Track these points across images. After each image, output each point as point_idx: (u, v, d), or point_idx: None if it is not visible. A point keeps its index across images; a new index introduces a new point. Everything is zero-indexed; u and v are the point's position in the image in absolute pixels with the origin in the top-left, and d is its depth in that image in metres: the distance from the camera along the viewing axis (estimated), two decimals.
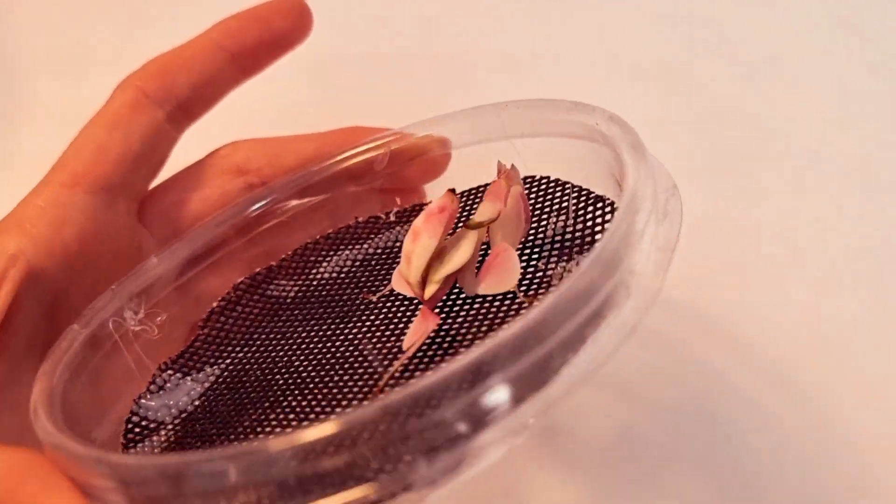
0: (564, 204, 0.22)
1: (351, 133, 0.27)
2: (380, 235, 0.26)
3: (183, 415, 0.21)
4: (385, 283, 0.23)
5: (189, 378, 0.22)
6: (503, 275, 0.20)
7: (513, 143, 0.24)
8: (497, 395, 0.14)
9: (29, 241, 0.21)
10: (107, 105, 0.24)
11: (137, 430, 0.21)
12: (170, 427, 0.21)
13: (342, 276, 0.25)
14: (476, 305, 0.20)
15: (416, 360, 0.19)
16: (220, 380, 0.22)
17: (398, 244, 0.25)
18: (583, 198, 0.22)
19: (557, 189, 0.23)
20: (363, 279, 0.24)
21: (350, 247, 0.26)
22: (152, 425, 0.21)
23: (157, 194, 0.25)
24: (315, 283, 0.25)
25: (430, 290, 0.20)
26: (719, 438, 0.27)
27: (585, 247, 0.21)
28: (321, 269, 0.25)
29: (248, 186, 0.26)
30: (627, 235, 0.16)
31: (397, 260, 0.24)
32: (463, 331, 0.19)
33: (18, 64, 0.28)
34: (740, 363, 0.28)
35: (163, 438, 0.20)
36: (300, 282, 0.25)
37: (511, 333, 0.14)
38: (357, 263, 0.25)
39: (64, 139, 0.23)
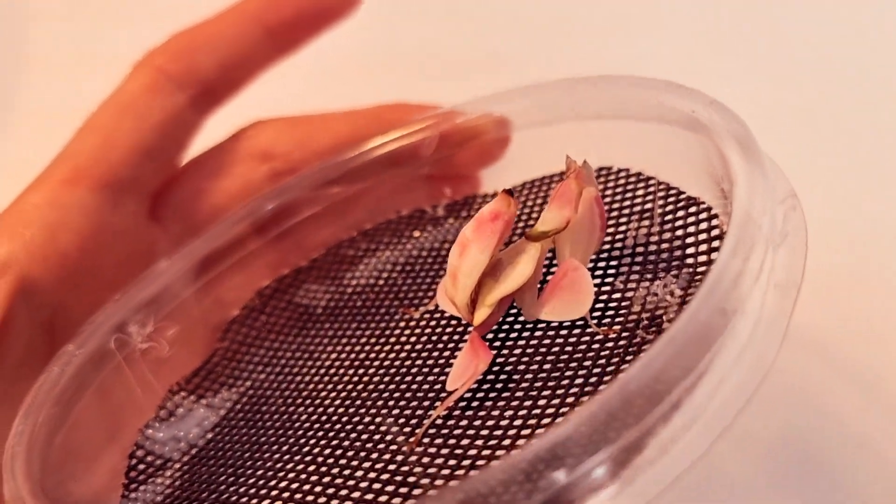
0: (648, 205, 0.18)
1: (393, 110, 0.23)
2: (426, 234, 0.22)
3: (192, 450, 0.18)
4: (430, 294, 0.20)
5: (203, 402, 0.19)
6: (573, 298, 0.16)
7: (585, 126, 0.20)
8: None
9: (21, 247, 0.18)
10: (121, 87, 0.21)
11: (141, 466, 0.18)
12: (177, 465, 0.18)
13: (380, 283, 0.21)
14: (538, 333, 0.17)
15: (461, 402, 0.16)
16: (237, 407, 0.19)
17: (447, 244, 0.21)
18: (671, 199, 0.18)
19: (640, 185, 0.19)
20: (404, 288, 0.21)
21: (391, 247, 0.22)
22: (158, 461, 0.18)
23: (171, 186, 0.22)
24: (349, 290, 0.21)
25: (482, 315, 0.16)
26: None
27: (674, 263, 0.17)
28: (356, 274, 0.22)
29: (275, 174, 0.23)
30: (740, 276, 0.12)
31: (445, 265, 0.21)
32: (521, 367, 0.16)
33: (18, 63, 0.25)
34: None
35: (168, 482, 0.17)
36: (332, 288, 0.22)
37: (585, 415, 0.10)
38: (398, 268, 0.21)
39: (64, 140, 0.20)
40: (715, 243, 0.16)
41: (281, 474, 0.16)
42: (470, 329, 0.18)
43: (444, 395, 0.16)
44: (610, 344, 0.15)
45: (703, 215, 0.17)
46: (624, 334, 0.15)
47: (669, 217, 0.18)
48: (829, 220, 0.20)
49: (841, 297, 0.24)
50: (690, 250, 0.17)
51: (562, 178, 0.21)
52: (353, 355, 0.19)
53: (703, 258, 0.16)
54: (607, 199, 0.19)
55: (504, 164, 0.22)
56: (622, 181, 0.19)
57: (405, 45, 0.35)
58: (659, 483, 0.11)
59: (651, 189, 0.19)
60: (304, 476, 0.16)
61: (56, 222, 0.19)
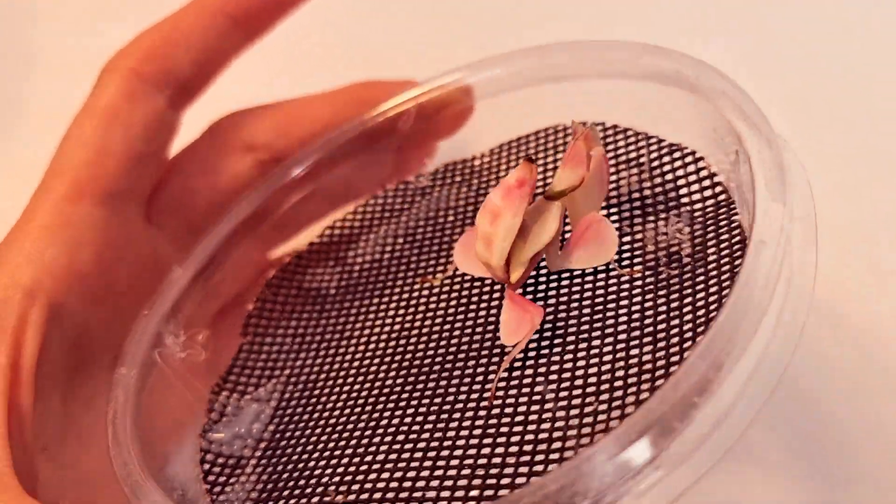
0: (632, 155, 0.21)
1: (367, 88, 0.24)
2: (416, 204, 0.24)
3: (261, 444, 0.19)
4: (441, 260, 0.21)
5: (249, 398, 0.20)
6: (600, 247, 0.18)
7: (562, 87, 0.22)
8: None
9: (43, 271, 0.18)
10: (96, 95, 0.20)
11: (217, 469, 0.18)
12: (253, 461, 0.18)
13: (385, 256, 0.23)
14: (565, 282, 0.19)
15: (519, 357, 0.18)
16: (287, 395, 0.20)
17: (441, 212, 0.23)
18: (654, 147, 0.20)
19: (619, 137, 0.21)
20: (413, 259, 0.22)
21: (385, 221, 0.23)
22: (231, 461, 0.19)
23: (161, 187, 0.22)
24: (357, 268, 0.23)
25: (517, 273, 0.18)
26: None
27: (671, 203, 0.19)
28: (359, 252, 0.23)
29: (260, 164, 0.23)
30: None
31: (447, 231, 0.22)
32: (563, 315, 0.18)
33: (24, 63, 0.24)
34: None
35: (252, 478, 0.18)
36: (338, 268, 0.23)
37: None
38: (399, 240, 0.23)
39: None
40: (705, 182, 0.19)
41: (360, 449, 0.17)
42: (497, 287, 0.20)
43: (496, 351, 0.18)
44: (639, 283, 0.18)
45: (689, 159, 0.19)
46: (648, 272, 0.18)
47: (656, 163, 0.20)
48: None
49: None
50: (683, 191, 0.19)
51: (547, 137, 0.23)
52: (386, 328, 0.20)
53: (696, 196, 0.19)
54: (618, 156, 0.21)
55: (482, 128, 0.24)
56: (603, 135, 0.21)
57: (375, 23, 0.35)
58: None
59: (632, 139, 0.21)
60: (390, 441, 0.17)
61: (70, 241, 0.19)
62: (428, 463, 0.16)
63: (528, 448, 0.15)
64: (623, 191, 0.20)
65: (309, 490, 0.17)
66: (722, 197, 0.18)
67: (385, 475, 0.16)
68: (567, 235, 0.19)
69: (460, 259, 0.20)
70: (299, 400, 0.19)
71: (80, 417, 0.20)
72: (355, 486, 0.16)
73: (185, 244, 0.22)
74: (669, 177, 0.20)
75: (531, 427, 0.16)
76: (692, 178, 0.19)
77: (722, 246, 0.17)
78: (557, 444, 0.15)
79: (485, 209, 0.18)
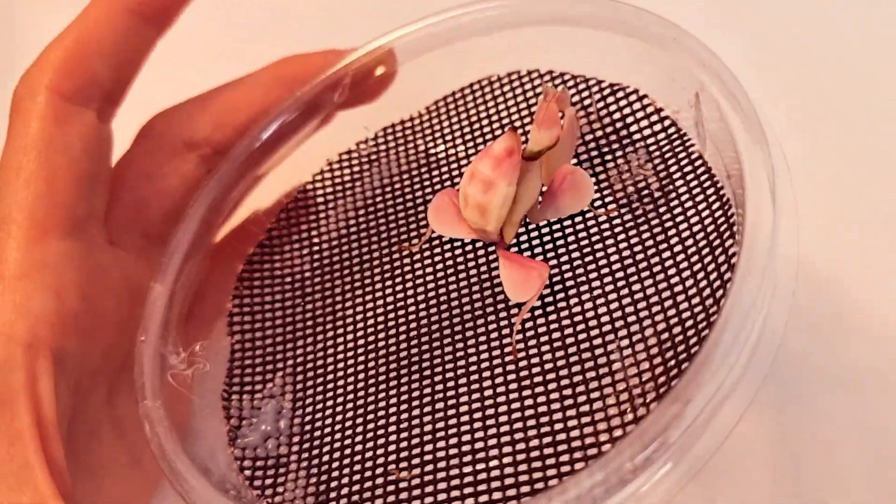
0: (575, 98, 0.22)
1: (294, 64, 0.23)
2: (366, 173, 0.24)
3: (294, 438, 0.19)
4: (411, 226, 0.22)
5: (261, 396, 0.20)
6: (578, 194, 0.19)
7: (505, 35, 0.22)
8: None
9: (37, 322, 0.17)
10: (22, 125, 0.19)
11: (260, 473, 0.19)
12: (294, 457, 0.19)
13: (353, 230, 0.23)
14: (546, 231, 0.20)
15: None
16: (300, 386, 0.20)
17: (395, 177, 0.23)
18: (595, 88, 0.22)
19: (557, 83, 0.22)
20: (381, 228, 0.22)
21: (341, 195, 0.24)
22: (271, 461, 0.19)
23: (111, 204, 0.21)
24: (327, 246, 0.23)
25: (511, 233, 0.19)
26: None
27: (625, 141, 0.21)
28: (323, 230, 0.23)
29: (203, 160, 0.22)
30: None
31: (407, 195, 0.23)
32: (554, 261, 0.19)
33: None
34: None
35: (301, 476, 0.19)
36: (307, 250, 0.23)
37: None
38: (361, 212, 0.23)
39: None
40: (653, 118, 0.21)
41: (403, 423, 0.18)
42: (480, 245, 0.21)
43: (501, 307, 0.19)
44: (618, 223, 0.19)
45: (633, 97, 0.21)
46: (624, 211, 0.20)
47: (602, 104, 0.21)
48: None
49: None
50: (634, 128, 0.21)
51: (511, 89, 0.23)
52: (380, 300, 0.21)
53: (647, 132, 0.21)
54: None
55: (413, 89, 0.24)
56: (539, 81, 0.23)
57: None
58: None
59: (571, 84, 0.22)
60: (427, 417, 0.18)
61: (52, 283, 0.18)
62: (478, 424, 0.17)
63: (567, 393, 0.17)
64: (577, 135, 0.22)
65: (368, 473, 0.18)
66: (672, 130, 0.20)
67: (440, 443, 0.18)
68: (543, 189, 0.20)
69: (437, 223, 0.21)
70: (315, 387, 0.20)
71: (86, 454, 0.19)
72: (414, 460, 0.18)
73: (150, 257, 0.21)
74: (617, 116, 0.21)
75: (563, 373, 0.18)
76: (640, 115, 0.21)
77: (689, 178, 0.19)
78: (594, 387, 0.17)
79: (473, 179, 0.19)
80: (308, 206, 0.24)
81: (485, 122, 0.23)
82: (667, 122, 0.20)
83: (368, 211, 0.23)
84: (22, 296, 0.17)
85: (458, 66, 0.24)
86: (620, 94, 0.21)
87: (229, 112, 0.22)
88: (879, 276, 0.25)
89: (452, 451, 0.17)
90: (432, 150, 0.23)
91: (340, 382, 0.20)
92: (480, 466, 0.17)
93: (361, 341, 0.20)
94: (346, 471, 0.18)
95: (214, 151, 0.22)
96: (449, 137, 0.23)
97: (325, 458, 0.18)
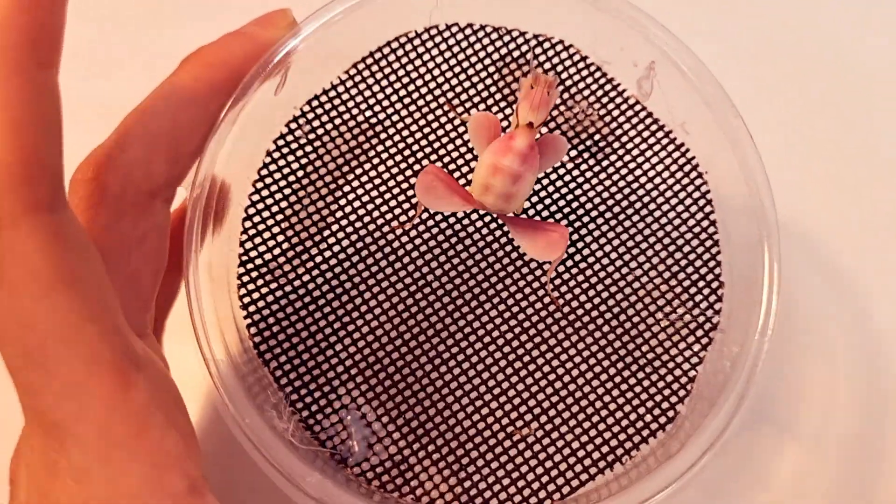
0: (517, 53, 0.23)
1: (217, 57, 0.20)
2: (322, 158, 0.23)
3: (400, 440, 0.21)
4: (391, 203, 0.23)
5: (336, 413, 0.21)
6: (556, 150, 0.22)
7: None
8: None
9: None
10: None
11: (387, 477, 0.20)
12: (415, 456, 0.21)
13: (331, 217, 0.22)
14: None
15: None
16: (364, 385, 0.21)
17: (352, 156, 0.23)
18: (521, 40, 0.24)
19: (481, 35, 0.23)
20: (361, 207, 0.23)
21: (307, 182, 0.23)
22: (394, 470, 0.21)
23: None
24: (312, 238, 0.22)
25: (521, 205, 0.22)
26: None
27: (570, 86, 0.24)
28: (301, 220, 0.22)
29: (168, 201, 0.20)
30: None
31: (381, 173, 0.23)
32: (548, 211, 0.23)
33: None
34: None
35: (433, 471, 0.21)
36: (293, 247, 0.22)
37: None
38: (329, 197, 0.23)
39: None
40: (580, 64, 0.24)
41: (497, 390, 0.21)
42: (475, 215, 0.23)
43: (522, 265, 0.22)
44: (587, 169, 0.23)
45: (559, 47, 0.24)
46: (587, 155, 0.23)
47: (539, 53, 0.23)
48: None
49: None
50: (570, 73, 0.24)
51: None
52: (397, 282, 0.22)
53: (579, 76, 0.24)
54: (488, 54, 0.23)
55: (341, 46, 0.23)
56: (462, 35, 0.23)
57: None
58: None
59: (496, 37, 0.23)
60: (515, 379, 0.21)
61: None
62: (562, 370, 0.22)
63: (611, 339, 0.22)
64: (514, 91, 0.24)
65: (495, 442, 0.21)
66: (599, 75, 0.24)
67: (540, 398, 0.21)
68: None
69: (429, 202, 0.22)
70: (382, 383, 0.21)
71: None
72: (529, 420, 0.21)
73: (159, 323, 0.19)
74: (556, 60, 0.24)
75: (601, 322, 0.22)
76: (568, 63, 0.24)
77: (636, 123, 0.23)
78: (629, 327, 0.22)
79: (498, 173, 0.20)
80: (274, 196, 0.22)
81: (412, 78, 0.23)
82: (593, 68, 0.24)
83: (339, 191, 0.23)
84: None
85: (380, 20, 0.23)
86: (547, 45, 0.24)
87: (184, 133, 0.19)
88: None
89: (561, 406, 0.21)
90: (374, 114, 0.23)
91: (405, 371, 0.22)
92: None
93: (396, 326, 0.22)
94: (475, 454, 0.21)
95: (176, 184, 0.20)
96: (384, 99, 0.23)
97: (445, 450, 0.21)
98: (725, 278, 0.22)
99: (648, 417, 0.21)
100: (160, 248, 0.19)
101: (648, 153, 0.23)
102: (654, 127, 0.23)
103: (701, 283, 0.22)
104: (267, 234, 0.22)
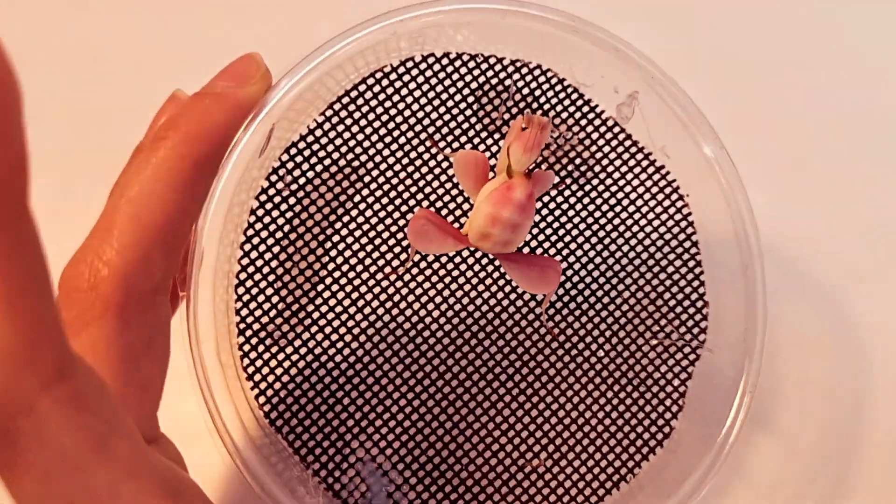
0: (495, 81, 0.23)
1: (195, 123, 0.19)
2: (307, 210, 0.22)
3: (412, 482, 0.22)
4: (382, 249, 0.22)
5: (349, 462, 0.21)
6: (543, 186, 0.22)
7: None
8: None
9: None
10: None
11: None
12: (439, 494, 0.22)
13: (323, 272, 0.22)
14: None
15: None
16: (376, 436, 0.22)
17: (341, 207, 0.22)
18: (497, 67, 0.23)
19: (458, 64, 0.23)
20: (351, 259, 0.22)
21: (296, 236, 0.22)
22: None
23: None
24: (304, 291, 0.22)
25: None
26: None
27: (545, 106, 0.23)
28: (295, 275, 0.22)
29: (166, 293, 0.19)
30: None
31: (369, 218, 0.22)
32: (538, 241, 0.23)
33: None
34: None
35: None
36: (292, 306, 0.22)
37: None
38: (319, 250, 0.22)
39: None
40: (558, 87, 0.23)
41: (510, 431, 0.22)
42: (467, 254, 0.23)
43: (519, 303, 0.23)
44: (570, 195, 0.23)
45: (537, 72, 0.23)
46: (570, 181, 0.23)
47: (518, 79, 0.23)
48: None
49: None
50: (548, 97, 0.23)
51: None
52: (396, 328, 0.22)
53: (557, 99, 0.23)
54: (466, 83, 0.23)
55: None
56: (442, 65, 0.23)
57: None
58: None
59: (473, 64, 0.23)
60: (527, 419, 0.22)
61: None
62: (569, 406, 0.22)
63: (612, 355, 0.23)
64: (502, 112, 0.23)
65: (509, 476, 0.22)
66: (577, 97, 0.24)
67: (546, 428, 0.22)
68: None
69: (422, 246, 0.22)
70: (393, 430, 0.22)
71: None
72: (538, 451, 0.22)
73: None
74: (534, 84, 0.23)
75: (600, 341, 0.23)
76: (546, 87, 0.23)
77: (616, 146, 0.23)
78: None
79: (497, 223, 0.20)
80: (262, 258, 0.22)
81: (391, 115, 0.23)
82: (570, 90, 0.23)
83: (330, 244, 0.22)
84: None
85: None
86: (525, 70, 0.23)
87: (175, 228, 0.18)
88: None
89: (581, 438, 0.22)
90: (351, 159, 0.23)
91: (414, 418, 0.22)
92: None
93: (400, 373, 0.22)
94: (499, 483, 0.22)
95: (171, 278, 0.19)
96: (364, 139, 0.23)
97: (470, 483, 0.22)
98: (710, 297, 0.23)
99: (647, 435, 0.23)
100: (166, 346, 0.18)
101: (629, 176, 0.24)
102: (634, 150, 0.24)
103: (686, 303, 0.23)
104: (261, 298, 0.22)
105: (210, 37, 0.30)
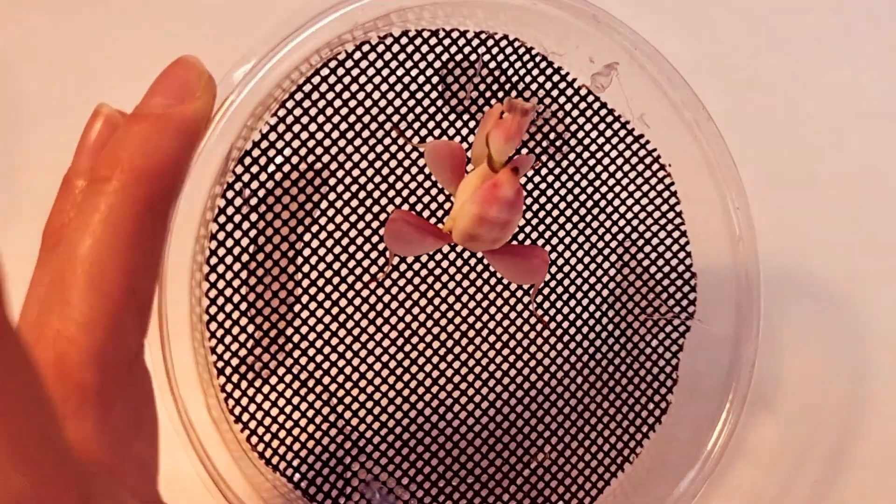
0: (469, 58, 0.21)
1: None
2: (272, 224, 0.20)
3: (416, 493, 0.21)
4: (357, 256, 0.20)
5: (353, 486, 0.20)
6: (523, 171, 0.21)
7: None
8: None
9: None
10: None
11: None
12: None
13: (294, 287, 0.20)
14: None
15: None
16: (384, 455, 0.21)
17: (308, 217, 0.20)
18: (461, 40, 0.21)
19: (418, 41, 0.20)
20: (326, 267, 0.20)
21: (263, 246, 0.19)
22: None
23: None
24: (282, 302, 0.20)
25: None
26: None
27: (522, 90, 0.21)
28: (271, 287, 0.20)
29: (142, 356, 0.16)
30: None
31: (340, 224, 0.20)
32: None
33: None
34: None
35: None
36: (263, 314, 0.20)
37: None
38: (284, 261, 0.20)
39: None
40: (526, 57, 0.21)
41: (511, 428, 0.21)
42: (447, 251, 0.21)
43: (507, 295, 0.22)
44: (548, 173, 0.22)
45: (504, 42, 0.21)
46: (546, 158, 0.22)
47: (483, 52, 0.21)
48: None
49: None
50: (516, 68, 0.21)
51: None
52: (390, 332, 0.21)
53: (525, 70, 0.22)
54: (429, 63, 0.21)
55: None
56: (408, 39, 0.20)
57: None
58: None
59: (446, 42, 0.20)
60: (530, 415, 0.22)
61: None
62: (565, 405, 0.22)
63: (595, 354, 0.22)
64: (471, 93, 0.21)
65: (515, 474, 0.21)
66: (545, 65, 0.22)
67: (547, 420, 0.22)
68: None
69: (400, 249, 0.20)
70: (392, 445, 0.21)
71: None
72: (542, 445, 0.22)
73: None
74: (506, 65, 0.21)
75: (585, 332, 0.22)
76: (513, 58, 0.21)
77: (591, 117, 0.22)
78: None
79: (487, 223, 0.19)
80: (227, 296, 0.19)
81: (350, 108, 0.20)
82: (543, 65, 0.22)
83: (297, 256, 0.20)
84: None
85: None
86: (491, 43, 0.21)
87: (139, 285, 0.16)
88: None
89: (583, 426, 0.22)
90: (312, 162, 0.20)
91: (398, 430, 0.21)
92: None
93: (394, 386, 0.21)
94: (514, 474, 0.21)
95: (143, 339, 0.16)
96: (324, 138, 0.20)
97: (477, 473, 0.21)
98: (697, 268, 0.23)
99: (645, 413, 0.22)
100: (154, 417, 0.16)
101: (608, 147, 0.22)
102: (610, 119, 0.22)
103: (673, 275, 0.23)
104: (236, 330, 0.19)
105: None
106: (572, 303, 0.22)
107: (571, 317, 0.22)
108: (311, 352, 0.20)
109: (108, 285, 0.15)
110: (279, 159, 0.20)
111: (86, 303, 0.15)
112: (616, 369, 0.22)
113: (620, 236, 0.23)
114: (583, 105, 0.22)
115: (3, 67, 0.26)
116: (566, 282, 0.22)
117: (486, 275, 0.22)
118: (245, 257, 0.20)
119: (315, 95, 0.20)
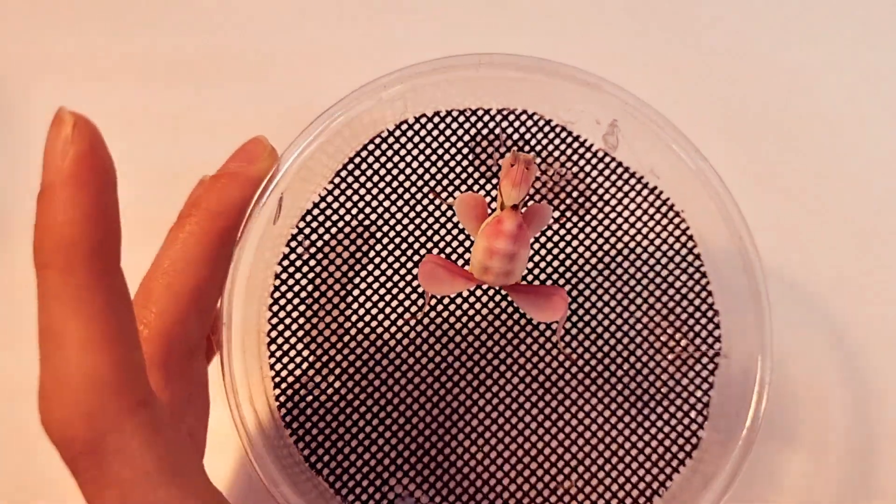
0: (489, 132, 0.25)
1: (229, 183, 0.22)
2: (327, 269, 0.24)
3: None
4: (393, 302, 0.24)
5: (389, 499, 0.23)
6: (542, 218, 0.24)
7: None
8: None
9: None
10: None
11: None
12: None
13: (343, 335, 0.24)
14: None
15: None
16: (420, 475, 0.23)
17: (358, 264, 0.24)
18: (486, 118, 0.25)
19: (449, 119, 0.25)
20: (375, 311, 0.24)
21: (326, 295, 0.24)
22: None
23: None
24: (336, 348, 0.24)
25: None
26: None
27: (542, 151, 0.25)
28: (322, 332, 0.24)
29: (201, 353, 0.21)
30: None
31: (385, 270, 0.24)
32: (542, 271, 0.24)
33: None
34: None
35: None
36: (322, 359, 0.24)
37: None
38: (344, 304, 0.24)
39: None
40: (546, 128, 0.25)
41: (541, 457, 0.23)
42: (476, 290, 0.24)
43: (530, 329, 0.24)
44: (572, 227, 0.25)
45: (524, 116, 0.25)
46: (570, 213, 0.25)
47: (507, 126, 0.25)
48: None
49: None
50: (538, 138, 0.25)
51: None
52: (423, 373, 0.24)
53: (547, 139, 0.25)
54: (459, 137, 0.25)
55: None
56: (437, 119, 0.25)
57: None
58: None
59: (462, 118, 0.25)
60: (558, 445, 0.23)
61: None
62: (590, 436, 0.23)
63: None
64: (496, 162, 0.25)
65: (542, 500, 0.23)
66: (566, 135, 0.25)
67: (574, 450, 0.23)
68: None
69: (435, 289, 0.24)
70: (428, 465, 0.23)
71: None
72: (569, 473, 0.23)
73: None
74: (516, 136, 0.25)
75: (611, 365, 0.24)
76: (534, 129, 0.25)
77: (608, 175, 0.25)
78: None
79: (495, 255, 0.22)
80: (287, 324, 0.24)
81: (393, 175, 0.25)
82: (558, 130, 0.25)
83: (342, 301, 0.24)
84: None
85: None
86: (512, 118, 0.25)
87: (205, 293, 0.21)
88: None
89: (610, 459, 0.23)
90: (362, 220, 0.25)
91: (433, 452, 0.23)
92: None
93: (432, 417, 0.24)
94: (540, 499, 0.23)
95: (204, 339, 0.21)
96: (371, 200, 0.25)
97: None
98: (720, 307, 0.24)
99: (675, 448, 0.23)
100: (206, 402, 0.20)
101: (626, 200, 0.25)
102: (625, 175, 0.25)
103: (697, 314, 0.24)
104: (293, 353, 0.24)
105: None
106: (599, 342, 0.24)
107: (599, 355, 0.24)
108: (357, 377, 0.24)
109: (178, 290, 0.20)
110: (335, 217, 0.25)
111: (160, 300, 0.20)
112: (645, 405, 0.23)
113: (644, 281, 0.24)
114: (600, 165, 0.25)
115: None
116: (594, 323, 0.24)
117: (515, 315, 0.24)
118: (304, 294, 0.24)
119: (363, 166, 0.25)
